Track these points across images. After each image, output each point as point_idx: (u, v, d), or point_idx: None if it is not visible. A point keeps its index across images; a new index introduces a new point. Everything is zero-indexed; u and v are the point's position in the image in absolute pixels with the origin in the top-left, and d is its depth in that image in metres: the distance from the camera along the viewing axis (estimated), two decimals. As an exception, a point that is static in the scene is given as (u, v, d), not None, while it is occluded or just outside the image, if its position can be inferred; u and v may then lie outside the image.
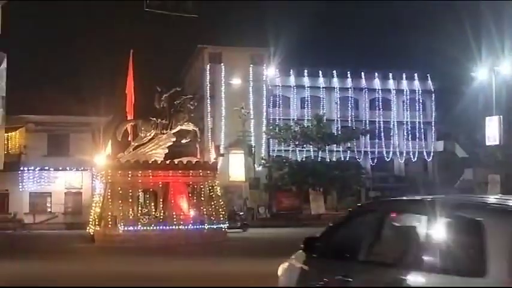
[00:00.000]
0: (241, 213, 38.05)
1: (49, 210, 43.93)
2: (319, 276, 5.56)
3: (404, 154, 58.32)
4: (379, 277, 4.65)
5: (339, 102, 57.41)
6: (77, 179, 44.61)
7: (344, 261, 5.28)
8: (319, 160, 49.61)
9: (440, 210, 4.45)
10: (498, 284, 3.74)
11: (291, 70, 55.68)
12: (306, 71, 56.27)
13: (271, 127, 52.21)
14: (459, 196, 5.67)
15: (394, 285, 4.41)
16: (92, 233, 28.36)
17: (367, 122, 57.18)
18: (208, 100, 53.50)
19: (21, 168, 43.05)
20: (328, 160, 51.07)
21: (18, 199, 42.77)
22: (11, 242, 25.91)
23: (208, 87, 53.79)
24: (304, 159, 51.44)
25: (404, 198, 5.77)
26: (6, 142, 40.69)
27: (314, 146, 50.68)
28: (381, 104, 58.09)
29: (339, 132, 53.41)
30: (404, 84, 58.66)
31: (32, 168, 43.55)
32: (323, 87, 57.01)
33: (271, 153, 53.30)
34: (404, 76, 58.54)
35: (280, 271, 6.68)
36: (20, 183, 43.19)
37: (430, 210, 4.52)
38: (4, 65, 8.00)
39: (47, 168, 43.74)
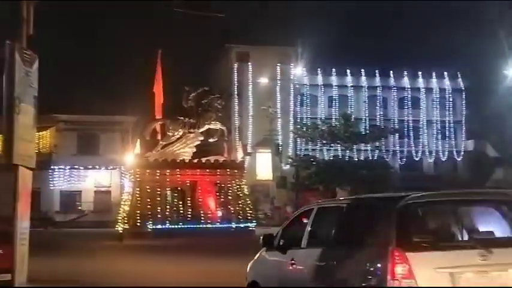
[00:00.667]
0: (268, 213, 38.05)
1: (79, 208, 44.54)
2: (275, 262, 7.58)
3: (434, 153, 57.62)
4: (313, 257, 6.64)
5: (367, 100, 56.98)
6: (106, 177, 45.14)
7: (292, 250, 7.21)
8: (346, 159, 49.29)
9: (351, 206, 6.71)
10: (371, 250, 5.80)
11: (319, 69, 55.43)
12: (333, 69, 55.97)
13: (298, 126, 52.06)
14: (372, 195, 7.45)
15: (320, 259, 6.53)
16: (121, 231, 28.64)
17: (396, 120, 56.64)
18: (236, 99, 53.57)
19: (52, 167, 43.72)
20: (356, 159, 50.72)
21: (49, 197, 43.45)
22: (42, 239, 26.20)
23: (235, 87, 53.88)
24: (331, 158, 51.15)
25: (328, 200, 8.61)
26: (37, 141, 41.37)
27: (342, 145, 50.38)
28: (410, 102, 57.49)
29: (367, 131, 52.98)
30: (433, 83, 57.96)
31: (63, 167, 44.21)
32: (351, 86, 56.66)
33: (298, 152, 53.14)
34: (434, 74, 57.81)
35: (248, 266, 8.44)
36: (51, 182, 43.87)
37: (344, 207, 6.81)
38: (36, 66, 8.18)
39: (76, 167, 44.37)
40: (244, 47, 53.89)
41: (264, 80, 51.65)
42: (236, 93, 53.82)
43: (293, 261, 7.05)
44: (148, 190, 28.41)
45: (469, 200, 6.30)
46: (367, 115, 56.40)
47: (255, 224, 31.03)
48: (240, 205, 29.66)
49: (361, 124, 54.45)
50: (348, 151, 50.24)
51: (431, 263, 5.50)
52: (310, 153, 52.08)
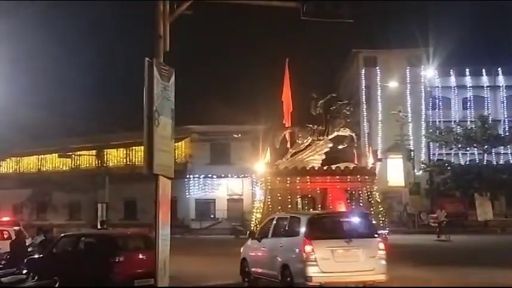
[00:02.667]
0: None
1: (212, 216, 46.00)
2: (254, 247, 14.55)
3: None
4: (274, 242, 13.38)
5: (505, 101, 53.75)
6: (238, 185, 46.26)
7: (264, 239, 14.09)
8: (485, 163, 46.82)
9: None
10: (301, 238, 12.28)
11: (451, 70, 53.24)
12: (467, 70, 53.51)
13: (431, 130, 50.23)
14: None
15: (277, 243, 13.30)
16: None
17: (539, 121, 52.83)
18: (364, 104, 52.84)
19: (187, 176, 45.54)
20: (495, 163, 48.03)
21: (185, 205, 45.34)
22: (182, 245, 27.49)
23: (363, 92, 53.15)
24: (468, 163, 48.82)
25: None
26: (174, 152, 43.31)
27: (479, 149, 47.94)
28: (554, 101, 53.44)
29: (507, 134, 49.90)
30: None
31: (197, 176, 45.94)
32: (487, 86, 53.79)
33: (431, 157, 51.28)
34: None
35: (241, 249, 15.43)
36: (187, 190, 45.74)
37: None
38: (172, 80, 8.59)
39: (210, 175, 45.88)
40: (371, 51, 53.09)
41: (393, 84, 50.51)
42: (364, 98, 53.08)
43: (264, 246, 14.14)
44: (279, 198, 28.64)
45: (343, 216, 14.85)
46: (505, 116, 53.18)
47: (387, 231, 30.26)
48: (372, 212, 29.05)
49: (500, 126, 51.41)
50: (485, 155, 47.68)
51: (323, 245, 12.04)
52: (444, 158, 50.04)
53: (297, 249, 12.30)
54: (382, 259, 12.37)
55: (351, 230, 12.72)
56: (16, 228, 23.17)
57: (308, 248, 11.93)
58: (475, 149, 48.43)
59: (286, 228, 13.34)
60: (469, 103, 53.58)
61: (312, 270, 11.89)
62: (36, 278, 11.26)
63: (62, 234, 17.15)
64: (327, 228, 12.85)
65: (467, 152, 49.87)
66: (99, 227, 27.25)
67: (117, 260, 13.56)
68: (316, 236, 12.13)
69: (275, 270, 13.01)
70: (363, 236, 12.61)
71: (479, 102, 53.20)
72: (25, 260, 14.41)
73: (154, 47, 9.90)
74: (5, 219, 33.64)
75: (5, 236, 22.23)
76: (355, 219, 13.44)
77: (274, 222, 14.04)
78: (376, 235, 13.02)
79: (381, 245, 12.63)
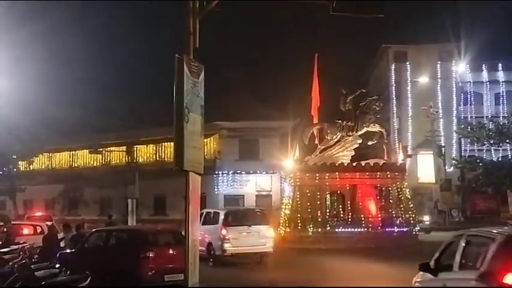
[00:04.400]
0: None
1: (241, 212, 46.08)
2: (208, 228, 20.77)
3: None
4: (209, 229, 19.99)
5: (539, 96, 52.67)
6: (266, 182, 46.21)
7: (204, 226, 18.90)
8: (518, 160, 46.00)
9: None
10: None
11: (484, 64, 52.34)
12: (500, 64, 52.55)
13: (462, 126, 49.49)
14: None
15: (210, 230, 20.04)
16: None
17: None
18: (394, 100, 52.31)
19: (216, 172, 45.68)
20: (528, 159, 47.11)
21: (214, 201, 45.43)
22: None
23: (393, 87, 52.63)
24: (500, 159, 47.99)
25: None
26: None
27: (511, 145, 47.10)
28: None
29: (540, 129, 48.86)
30: None
31: (226, 172, 46.03)
32: (521, 81, 52.75)
33: (463, 153, 50.56)
34: None
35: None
36: (216, 187, 45.87)
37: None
38: (202, 76, 8.59)
39: (239, 172, 45.94)
40: (401, 47, 52.48)
41: (423, 79, 49.91)
42: (394, 94, 52.56)
43: (207, 235, 19.66)
44: (308, 194, 28.62)
45: (251, 212, 23.95)
46: (540, 111, 52.10)
47: (418, 228, 29.97)
48: (402, 209, 28.80)
49: (534, 121, 50.38)
50: (519, 151, 46.86)
51: (233, 230, 20.06)
52: (476, 154, 49.29)
53: (220, 232, 19.88)
54: (270, 239, 20.34)
55: (251, 221, 20.60)
56: (48, 223, 23.59)
57: (224, 231, 19.90)
58: (508, 145, 47.61)
59: (212, 219, 20.86)
60: (501, 98, 52.66)
61: (226, 246, 19.66)
62: (68, 272, 11.44)
63: (94, 230, 17.39)
64: (236, 219, 20.89)
65: (499, 148, 49.02)
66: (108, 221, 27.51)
67: (147, 256, 13.69)
68: (229, 224, 20.24)
69: (203, 246, 18.36)
70: (258, 224, 20.39)
71: (512, 97, 52.25)
72: (57, 255, 14.64)
73: (184, 44, 9.93)
74: (37, 214, 34.24)
75: (38, 231, 22.68)
76: (255, 213, 22.29)
77: (206, 215, 20.98)
78: (267, 224, 20.71)
79: (270, 230, 20.70)
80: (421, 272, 8.70)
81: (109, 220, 27.28)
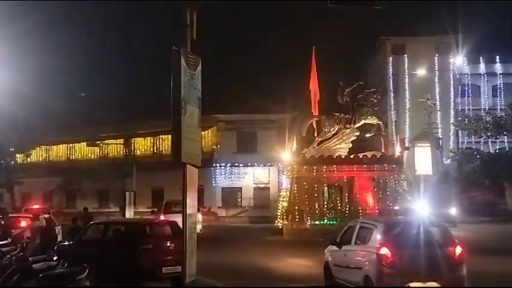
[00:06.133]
0: None
1: (239, 204, 46.15)
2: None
3: None
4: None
5: (537, 88, 52.66)
6: (264, 174, 46.25)
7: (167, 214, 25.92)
8: (515, 152, 46.01)
9: None
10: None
11: (481, 57, 52.31)
12: (497, 57, 52.51)
13: (459, 118, 49.48)
14: None
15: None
16: (280, 227, 29.21)
17: None
18: (392, 93, 52.25)
19: (214, 165, 45.68)
20: (526, 152, 47.10)
21: (212, 194, 45.50)
22: (212, 233, 27.86)
23: (391, 80, 52.56)
24: (497, 151, 48.02)
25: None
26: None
27: (509, 137, 47.10)
28: None
29: (538, 122, 48.89)
30: None
31: (224, 164, 46.04)
32: (518, 73, 52.74)
33: (460, 146, 50.59)
34: None
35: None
36: (213, 179, 45.90)
37: None
38: (199, 68, 8.55)
39: (237, 164, 45.95)
40: (399, 39, 52.33)
41: (421, 72, 49.80)
42: (392, 86, 52.50)
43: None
44: (306, 186, 28.64)
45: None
46: (537, 104, 52.14)
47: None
48: (399, 201, 28.86)
49: (531, 114, 50.41)
50: (516, 143, 46.89)
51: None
52: (473, 147, 49.33)
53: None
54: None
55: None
56: (46, 215, 23.50)
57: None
58: (505, 137, 47.60)
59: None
60: (499, 91, 52.61)
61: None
62: (66, 264, 11.44)
63: (91, 222, 17.38)
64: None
65: (496, 141, 49.02)
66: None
67: (145, 248, 13.69)
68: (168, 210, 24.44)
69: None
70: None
71: (510, 89, 52.19)
72: (55, 247, 14.64)
73: (181, 36, 9.90)
74: (35, 207, 34.18)
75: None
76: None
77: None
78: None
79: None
80: (330, 245, 12.78)
81: (83, 212, 25.82)
